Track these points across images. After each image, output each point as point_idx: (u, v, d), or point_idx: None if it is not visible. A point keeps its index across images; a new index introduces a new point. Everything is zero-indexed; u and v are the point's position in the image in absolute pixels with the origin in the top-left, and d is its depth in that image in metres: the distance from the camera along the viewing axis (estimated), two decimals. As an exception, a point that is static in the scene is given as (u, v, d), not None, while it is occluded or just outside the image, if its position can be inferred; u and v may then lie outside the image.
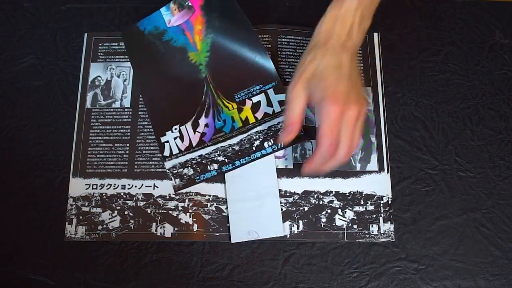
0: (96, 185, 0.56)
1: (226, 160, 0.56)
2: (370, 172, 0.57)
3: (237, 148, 0.56)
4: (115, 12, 0.63)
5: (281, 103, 0.57)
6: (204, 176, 0.56)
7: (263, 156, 0.56)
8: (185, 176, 0.56)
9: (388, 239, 0.55)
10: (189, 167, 0.56)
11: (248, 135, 0.56)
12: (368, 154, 0.58)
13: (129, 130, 0.58)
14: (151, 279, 0.54)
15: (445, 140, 0.59)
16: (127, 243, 0.55)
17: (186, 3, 0.59)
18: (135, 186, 0.56)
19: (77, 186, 0.56)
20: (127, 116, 0.59)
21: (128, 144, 0.58)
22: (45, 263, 0.54)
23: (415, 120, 0.60)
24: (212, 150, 0.56)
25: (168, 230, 0.55)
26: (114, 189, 0.56)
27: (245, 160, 0.56)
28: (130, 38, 0.61)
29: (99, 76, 0.60)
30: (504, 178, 0.58)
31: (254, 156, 0.56)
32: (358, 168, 0.57)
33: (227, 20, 0.59)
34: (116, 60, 0.61)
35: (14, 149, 0.58)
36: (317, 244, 0.55)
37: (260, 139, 0.56)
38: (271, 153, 0.56)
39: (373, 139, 0.58)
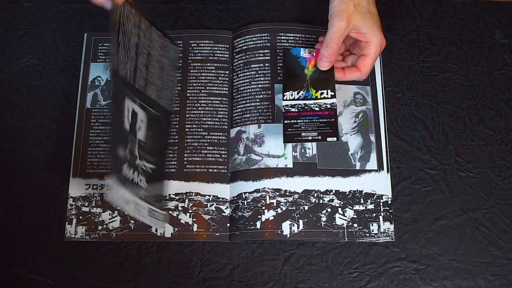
0: (96, 185, 0.56)
1: None
2: (370, 171, 0.57)
3: None
4: (115, 12, 0.63)
5: None
6: None
7: None
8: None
9: (388, 239, 0.55)
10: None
11: None
12: (367, 152, 0.58)
13: (129, 130, 0.58)
14: (151, 279, 0.54)
15: (445, 140, 0.59)
16: (127, 243, 0.55)
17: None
18: (135, 186, 0.56)
19: (77, 186, 0.56)
20: (127, 116, 0.59)
21: (128, 144, 0.58)
22: (45, 263, 0.54)
23: (415, 120, 0.60)
24: None
25: (168, 230, 0.55)
26: (114, 189, 0.56)
27: None
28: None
29: (99, 76, 0.60)
30: (504, 178, 0.58)
31: None
32: (357, 167, 0.57)
33: None
34: (116, 60, 0.61)
35: (14, 149, 0.58)
36: (317, 244, 0.55)
37: None
38: None
39: (372, 138, 0.58)
